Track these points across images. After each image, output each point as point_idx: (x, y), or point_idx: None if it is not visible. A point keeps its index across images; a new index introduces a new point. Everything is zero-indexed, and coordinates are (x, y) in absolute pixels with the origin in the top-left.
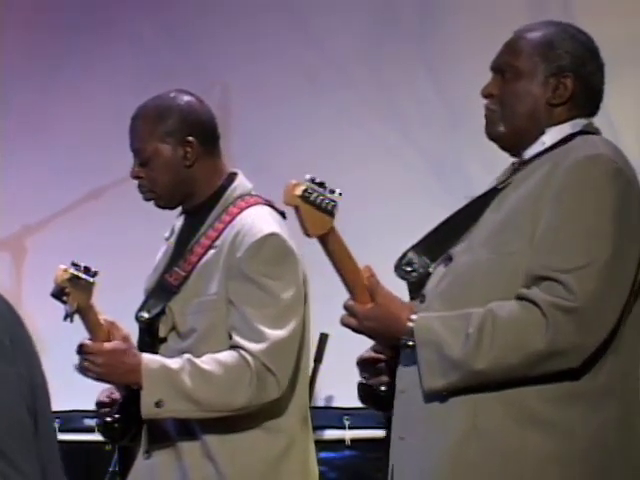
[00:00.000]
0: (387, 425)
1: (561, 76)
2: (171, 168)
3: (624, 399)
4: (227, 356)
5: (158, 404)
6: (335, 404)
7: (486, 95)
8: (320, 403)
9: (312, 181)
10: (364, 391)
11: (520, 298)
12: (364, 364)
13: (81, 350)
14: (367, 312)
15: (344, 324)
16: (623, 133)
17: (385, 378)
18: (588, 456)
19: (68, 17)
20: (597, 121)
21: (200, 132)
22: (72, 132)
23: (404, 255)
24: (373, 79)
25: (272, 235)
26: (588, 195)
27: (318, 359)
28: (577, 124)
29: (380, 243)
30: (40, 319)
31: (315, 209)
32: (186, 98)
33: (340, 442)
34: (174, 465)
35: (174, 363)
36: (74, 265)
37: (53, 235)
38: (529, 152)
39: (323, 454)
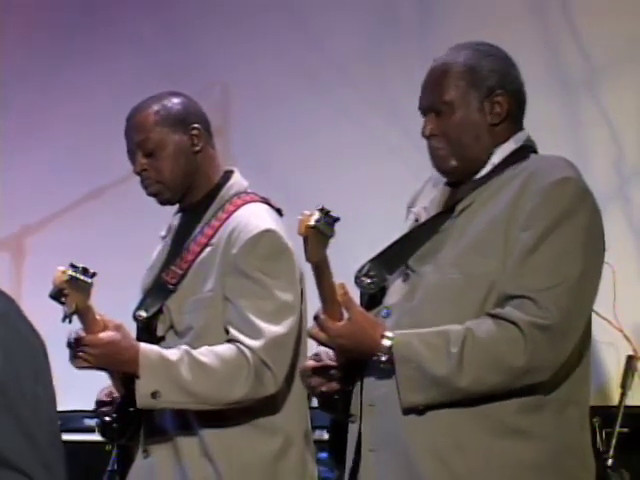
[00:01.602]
0: (331, 429)
1: (494, 96)
2: (180, 154)
3: (580, 405)
4: (225, 349)
5: (154, 395)
6: None
7: (428, 136)
8: None
9: (321, 211)
10: (322, 399)
11: (495, 316)
12: (314, 372)
13: (77, 343)
14: (340, 329)
15: (312, 336)
16: (623, 133)
17: (335, 385)
18: (563, 456)
19: (68, 17)
20: (597, 121)
21: (202, 120)
22: (72, 132)
23: (363, 267)
24: (373, 78)
25: (268, 231)
26: (561, 218)
27: None
28: (519, 139)
29: (380, 242)
30: (40, 319)
31: (320, 238)
32: (181, 95)
33: None
34: (173, 464)
35: (172, 354)
36: (72, 266)
37: (53, 235)
38: (479, 174)
39: (323, 454)
